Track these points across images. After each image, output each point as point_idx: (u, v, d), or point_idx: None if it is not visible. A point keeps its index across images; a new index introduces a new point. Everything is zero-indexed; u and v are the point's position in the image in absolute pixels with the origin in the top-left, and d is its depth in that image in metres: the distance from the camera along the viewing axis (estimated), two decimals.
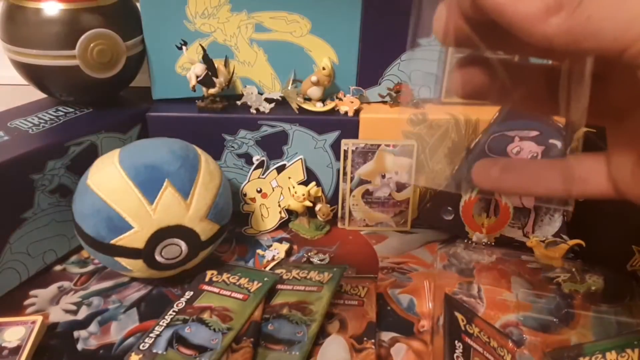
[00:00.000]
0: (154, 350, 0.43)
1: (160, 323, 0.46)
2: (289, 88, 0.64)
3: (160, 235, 0.48)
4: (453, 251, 0.58)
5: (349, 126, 0.62)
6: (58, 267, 0.57)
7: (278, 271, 0.55)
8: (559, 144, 0.58)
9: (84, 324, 0.49)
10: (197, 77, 0.59)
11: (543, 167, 0.24)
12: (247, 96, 0.63)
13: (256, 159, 0.64)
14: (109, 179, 0.49)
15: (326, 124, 0.62)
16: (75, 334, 0.48)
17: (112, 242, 0.48)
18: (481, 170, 0.25)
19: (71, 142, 0.55)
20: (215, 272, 0.54)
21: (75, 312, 0.50)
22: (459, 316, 0.44)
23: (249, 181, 0.64)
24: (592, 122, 0.23)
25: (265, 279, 0.52)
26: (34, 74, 0.57)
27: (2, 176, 0.49)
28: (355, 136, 0.62)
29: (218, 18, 0.61)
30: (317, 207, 0.64)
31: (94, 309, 0.51)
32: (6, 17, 0.55)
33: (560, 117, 0.22)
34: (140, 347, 0.43)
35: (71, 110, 0.60)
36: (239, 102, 0.63)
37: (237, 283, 0.52)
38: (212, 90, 0.60)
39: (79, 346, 0.46)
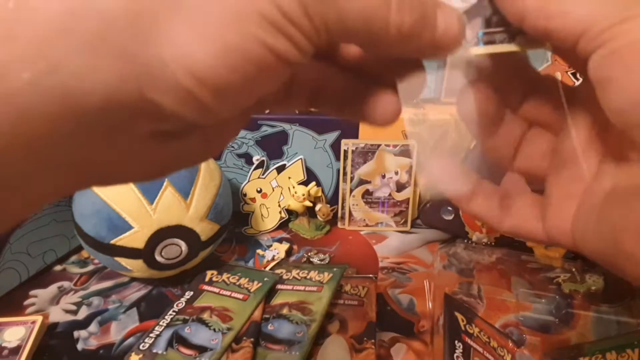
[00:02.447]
0: (154, 350, 0.43)
1: (160, 323, 0.46)
2: None
3: (160, 235, 0.48)
4: (453, 251, 0.58)
5: (349, 126, 0.62)
6: (58, 267, 0.57)
7: (278, 271, 0.55)
8: None
9: (84, 324, 0.49)
10: None
11: (485, 188, 0.25)
12: None
13: (256, 159, 0.64)
14: None
15: (326, 124, 0.62)
16: (75, 334, 0.48)
17: (112, 242, 0.48)
18: (434, 166, 0.26)
19: None
20: (215, 272, 0.54)
21: (75, 312, 0.50)
22: (459, 316, 0.44)
23: (249, 181, 0.64)
24: (535, 172, 0.24)
25: (265, 279, 0.52)
26: None
27: None
28: (355, 136, 0.62)
29: None
30: (317, 207, 0.64)
31: (94, 309, 0.51)
32: None
33: None
34: (140, 347, 0.43)
35: None
36: None
37: (237, 283, 0.52)
38: None
39: (79, 346, 0.46)
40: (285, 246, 0.61)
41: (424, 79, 0.21)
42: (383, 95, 0.21)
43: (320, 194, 0.65)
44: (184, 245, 0.50)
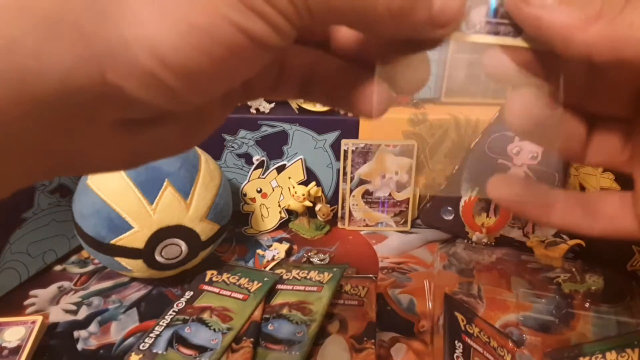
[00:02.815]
0: (154, 350, 0.43)
1: (160, 323, 0.46)
2: None
3: (160, 235, 0.48)
4: (453, 251, 0.58)
5: (349, 126, 0.62)
6: (58, 267, 0.57)
7: (278, 271, 0.55)
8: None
9: (84, 324, 0.49)
10: None
11: (561, 197, 0.23)
12: None
13: (256, 159, 0.64)
14: (109, 179, 0.49)
15: (326, 124, 0.62)
16: (75, 334, 0.48)
17: (112, 242, 0.48)
18: (499, 186, 0.24)
19: None
20: (215, 272, 0.54)
21: (75, 312, 0.50)
22: (459, 316, 0.44)
23: (249, 181, 0.64)
24: (618, 167, 0.22)
25: (265, 279, 0.52)
26: None
27: None
28: (355, 136, 0.62)
29: None
30: (317, 207, 0.64)
31: (94, 309, 0.51)
32: None
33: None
34: (140, 347, 0.43)
35: None
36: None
37: (237, 283, 0.52)
38: None
39: (79, 346, 0.46)
40: (285, 246, 0.61)
41: (427, 66, 0.19)
42: (372, 85, 0.19)
43: (320, 194, 0.65)
44: (184, 245, 0.50)
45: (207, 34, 0.14)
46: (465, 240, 0.62)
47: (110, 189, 0.48)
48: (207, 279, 0.53)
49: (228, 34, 0.14)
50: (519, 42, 0.19)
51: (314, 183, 0.64)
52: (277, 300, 0.50)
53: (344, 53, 0.21)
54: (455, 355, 0.42)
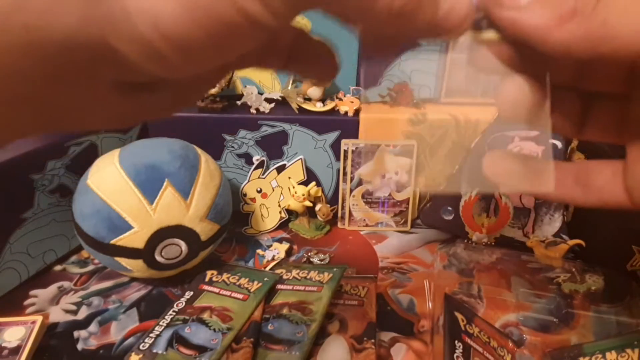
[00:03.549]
0: (154, 350, 0.43)
1: (160, 323, 0.46)
2: (289, 88, 0.64)
3: (160, 235, 0.48)
4: (453, 251, 0.58)
5: (349, 126, 0.62)
6: (58, 267, 0.57)
7: (278, 271, 0.55)
8: (559, 143, 0.58)
9: (84, 324, 0.49)
10: None
11: (555, 168, 0.24)
12: (247, 96, 0.63)
13: (256, 159, 0.64)
14: (109, 179, 0.49)
15: (326, 124, 0.62)
16: (75, 334, 0.48)
17: (112, 242, 0.48)
18: (494, 162, 0.24)
19: (71, 142, 0.55)
20: (215, 272, 0.54)
21: (75, 312, 0.50)
22: (459, 316, 0.44)
23: (249, 181, 0.64)
24: (613, 140, 0.23)
25: (265, 279, 0.52)
26: None
27: (2, 176, 0.49)
28: (355, 136, 0.62)
29: None
30: (317, 207, 0.64)
31: (94, 309, 0.51)
32: None
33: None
34: (140, 347, 0.43)
35: None
36: (239, 102, 0.63)
37: (237, 283, 0.52)
38: (212, 90, 0.60)
39: (79, 346, 0.46)
40: (285, 246, 0.61)
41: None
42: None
43: (320, 194, 0.65)
44: (184, 245, 0.50)
45: (205, 10, 0.14)
46: (465, 240, 0.62)
47: (110, 189, 0.48)
48: (207, 279, 0.53)
49: (228, 13, 0.14)
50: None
51: (314, 183, 0.64)
52: (277, 300, 0.50)
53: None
54: (455, 355, 0.42)
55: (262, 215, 0.65)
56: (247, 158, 0.64)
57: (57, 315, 0.50)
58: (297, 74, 0.23)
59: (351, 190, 0.64)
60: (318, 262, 0.58)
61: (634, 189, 0.22)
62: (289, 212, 0.65)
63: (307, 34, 0.21)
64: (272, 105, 0.63)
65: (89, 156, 0.55)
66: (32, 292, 0.53)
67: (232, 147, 0.63)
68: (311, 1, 0.15)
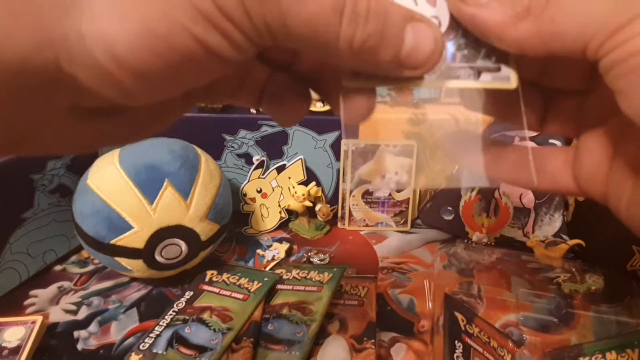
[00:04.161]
0: (154, 350, 0.43)
1: (160, 323, 0.46)
2: None
3: (160, 235, 0.48)
4: (453, 251, 0.58)
5: (349, 126, 0.62)
6: (58, 267, 0.57)
7: (278, 271, 0.55)
8: (558, 143, 0.58)
9: (84, 324, 0.49)
10: None
11: (513, 152, 0.25)
12: None
13: (256, 159, 0.64)
14: (109, 179, 0.49)
15: (326, 124, 0.62)
16: (75, 334, 0.48)
17: (112, 242, 0.48)
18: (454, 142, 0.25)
19: None
20: (215, 272, 0.54)
21: (75, 312, 0.50)
22: (459, 316, 0.44)
23: (249, 181, 0.64)
24: (571, 134, 0.24)
25: (265, 279, 0.52)
26: None
27: (2, 176, 0.49)
28: (355, 136, 0.62)
29: None
30: (317, 207, 0.64)
31: (94, 309, 0.51)
32: None
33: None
34: (140, 347, 0.43)
35: None
36: None
37: (237, 283, 0.52)
38: None
39: (79, 346, 0.46)
40: (285, 246, 0.61)
41: (370, 103, 0.19)
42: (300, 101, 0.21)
43: (320, 194, 0.65)
44: (184, 245, 0.50)
45: (163, 39, 0.14)
46: (465, 240, 0.62)
47: (110, 189, 0.48)
48: (207, 279, 0.53)
49: (184, 43, 0.14)
50: (479, 84, 0.19)
51: (314, 183, 0.64)
52: (277, 300, 0.50)
53: (306, 74, 0.21)
54: (455, 355, 0.42)
55: (262, 215, 0.65)
56: (247, 158, 0.64)
57: (57, 315, 0.50)
58: (265, 111, 0.23)
59: (351, 190, 0.64)
60: (318, 262, 0.58)
61: (580, 178, 0.23)
62: (289, 212, 0.65)
63: (284, 75, 0.21)
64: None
65: (89, 156, 0.55)
66: (32, 292, 0.53)
67: (232, 147, 0.63)
68: (274, 38, 0.15)
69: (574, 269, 0.54)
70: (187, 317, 0.47)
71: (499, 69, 0.19)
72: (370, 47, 0.16)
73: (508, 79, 0.19)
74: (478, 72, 0.19)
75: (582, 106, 0.23)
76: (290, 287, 0.52)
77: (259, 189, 0.64)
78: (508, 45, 0.18)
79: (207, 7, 0.14)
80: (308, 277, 0.53)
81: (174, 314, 0.47)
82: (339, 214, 0.66)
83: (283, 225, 0.66)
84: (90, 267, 0.57)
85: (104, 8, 0.14)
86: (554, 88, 0.23)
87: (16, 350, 0.43)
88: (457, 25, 0.19)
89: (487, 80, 0.19)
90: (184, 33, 0.14)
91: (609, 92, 0.17)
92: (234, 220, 0.59)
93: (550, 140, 0.58)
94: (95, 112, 0.17)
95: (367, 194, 0.64)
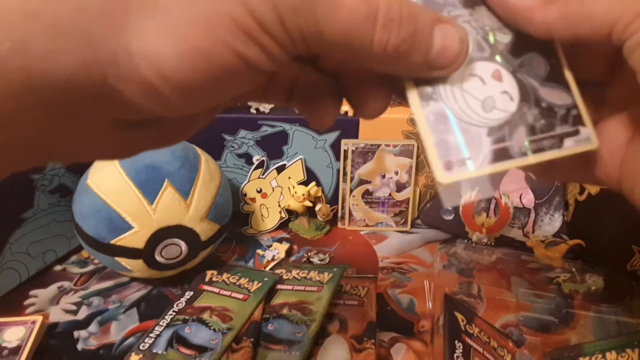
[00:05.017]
0: (154, 350, 0.43)
1: (160, 323, 0.46)
2: None
3: (160, 235, 0.48)
4: (453, 251, 0.58)
5: (349, 126, 0.62)
6: (58, 267, 0.57)
7: (278, 271, 0.55)
8: None
9: (84, 324, 0.49)
10: None
11: None
12: None
13: (256, 159, 0.64)
14: (109, 179, 0.49)
15: None
16: (75, 334, 0.48)
17: (112, 242, 0.48)
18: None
19: None
20: (215, 272, 0.54)
21: (75, 312, 0.50)
22: (459, 316, 0.44)
23: (249, 181, 0.64)
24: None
25: (265, 279, 0.52)
26: None
27: None
28: (355, 136, 0.62)
29: None
30: (317, 207, 0.64)
31: (94, 309, 0.51)
32: None
33: None
34: (140, 347, 0.43)
35: None
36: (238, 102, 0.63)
37: (237, 283, 0.52)
38: None
39: (79, 346, 0.46)
40: (285, 246, 0.61)
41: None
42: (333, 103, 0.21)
43: (320, 194, 0.65)
44: (184, 245, 0.50)
45: (206, 55, 0.15)
46: (465, 240, 0.62)
47: (110, 189, 0.48)
48: (207, 279, 0.53)
49: (226, 58, 0.15)
50: (564, 152, 0.19)
51: (314, 183, 0.64)
52: (277, 300, 0.50)
53: (330, 70, 0.21)
54: (455, 355, 0.42)
55: (262, 215, 0.65)
56: (247, 158, 0.64)
57: (57, 315, 0.50)
58: (298, 110, 0.23)
59: (351, 190, 0.64)
60: (318, 262, 0.58)
61: (594, 166, 0.23)
62: (289, 212, 0.65)
63: (312, 72, 0.22)
64: (272, 105, 0.63)
65: None
66: (32, 292, 0.53)
67: (232, 147, 0.63)
68: (308, 46, 0.16)
69: (574, 269, 0.54)
70: (187, 317, 0.47)
71: (578, 132, 0.19)
72: (403, 51, 0.17)
73: (589, 140, 0.20)
74: (560, 139, 0.19)
75: (601, 96, 0.23)
76: (290, 287, 0.52)
77: (259, 189, 0.64)
78: (536, 29, 0.19)
79: (246, 21, 0.14)
80: (308, 277, 0.53)
81: (174, 314, 0.47)
82: (339, 214, 0.66)
83: (283, 225, 0.66)
84: (90, 267, 0.57)
85: (152, 29, 0.14)
86: (577, 79, 0.24)
87: (16, 350, 0.43)
88: (528, 95, 0.19)
89: (571, 146, 0.19)
90: (226, 49, 0.15)
91: (628, 81, 0.18)
92: (234, 220, 0.59)
93: None
94: (132, 124, 0.18)
95: (367, 194, 0.64)
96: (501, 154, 0.18)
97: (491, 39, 0.19)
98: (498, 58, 0.19)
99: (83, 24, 0.14)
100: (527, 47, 0.20)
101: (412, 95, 0.19)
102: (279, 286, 0.52)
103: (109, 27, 0.14)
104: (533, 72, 0.20)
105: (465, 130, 0.18)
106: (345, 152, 0.62)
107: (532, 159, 0.19)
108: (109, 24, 0.14)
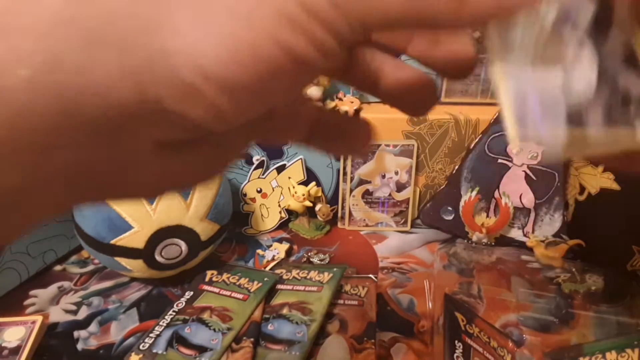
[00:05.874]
0: (154, 350, 0.43)
1: (160, 323, 0.46)
2: None
3: (160, 235, 0.48)
4: (453, 251, 0.58)
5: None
6: (58, 267, 0.57)
7: (278, 271, 0.55)
8: None
9: (84, 324, 0.49)
10: None
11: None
12: None
13: (256, 159, 0.64)
14: None
15: None
16: (75, 334, 0.48)
17: (112, 242, 0.48)
18: None
19: None
20: (215, 272, 0.54)
21: (75, 312, 0.50)
22: (459, 316, 0.44)
23: (249, 181, 0.64)
24: None
25: (265, 279, 0.52)
26: None
27: None
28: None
29: None
30: (317, 207, 0.64)
31: (94, 309, 0.51)
32: None
33: None
34: (140, 347, 0.43)
35: None
36: None
37: (237, 283, 0.52)
38: None
39: (79, 346, 0.46)
40: (285, 246, 0.61)
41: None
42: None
43: (320, 194, 0.65)
44: (184, 245, 0.50)
45: (249, 49, 0.13)
46: (465, 240, 0.62)
47: None
48: (207, 279, 0.53)
49: (271, 51, 0.13)
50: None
51: (314, 183, 0.64)
52: (277, 300, 0.50)
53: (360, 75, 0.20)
54: (455, 355, 0.42)
55: (262, 215, 0.65)
56: (247, 158, 0.64)
57: (57, 315, 0.50)
58: (319, 149, 0.22)
59: (351, 190, 0.64)
60: (318, 262, 0.58)
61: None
62: (289, 212, 0.65)
63: (332, 110, 0.21)
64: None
65: None
66: (32, 292, 0.53)
67: None
68: (367, 29, 0.14)
69: (574, 269, 0.54)
70: (187, 317, 0.47)
71: None
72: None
73: None
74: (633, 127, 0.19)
75: None
76: (290, 287, 0.52)
77: (259, 189, 0.64)
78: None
79: (293, 9, 0.13)
80: (308, 277, 0.53)
81: (174, 314, 0.47)
82: (339, 214, 0.66)
83: (283, 225, 0.66)
84: (90, 267, 0.57)
85: (187, 23, 0.13)
86: None
87: (16, 350, 0.43)
88: (607, 78, 0.18)
89: None
90: (271, 41, 0.13)
91: None
92: (234, 220, 0.59)
93: None
94: (178, 147, 0.16)
95: (367, 194, 0.64)
96: (576, 120, 0.18)
97: (576, 15, 0.19)
98: (581, 35, 0.19)
99: (115, 30, 0.13)
100: (610, 25, 0.19)
101: (494, 47, 0.18)
102: (279, 286, 0.52)
103: (141, 26, 0.13)
104: (614, 54, 0.19)
105: (544, 102, 0.18)
106: None
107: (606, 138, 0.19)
108: (141, 22, 0.13)
